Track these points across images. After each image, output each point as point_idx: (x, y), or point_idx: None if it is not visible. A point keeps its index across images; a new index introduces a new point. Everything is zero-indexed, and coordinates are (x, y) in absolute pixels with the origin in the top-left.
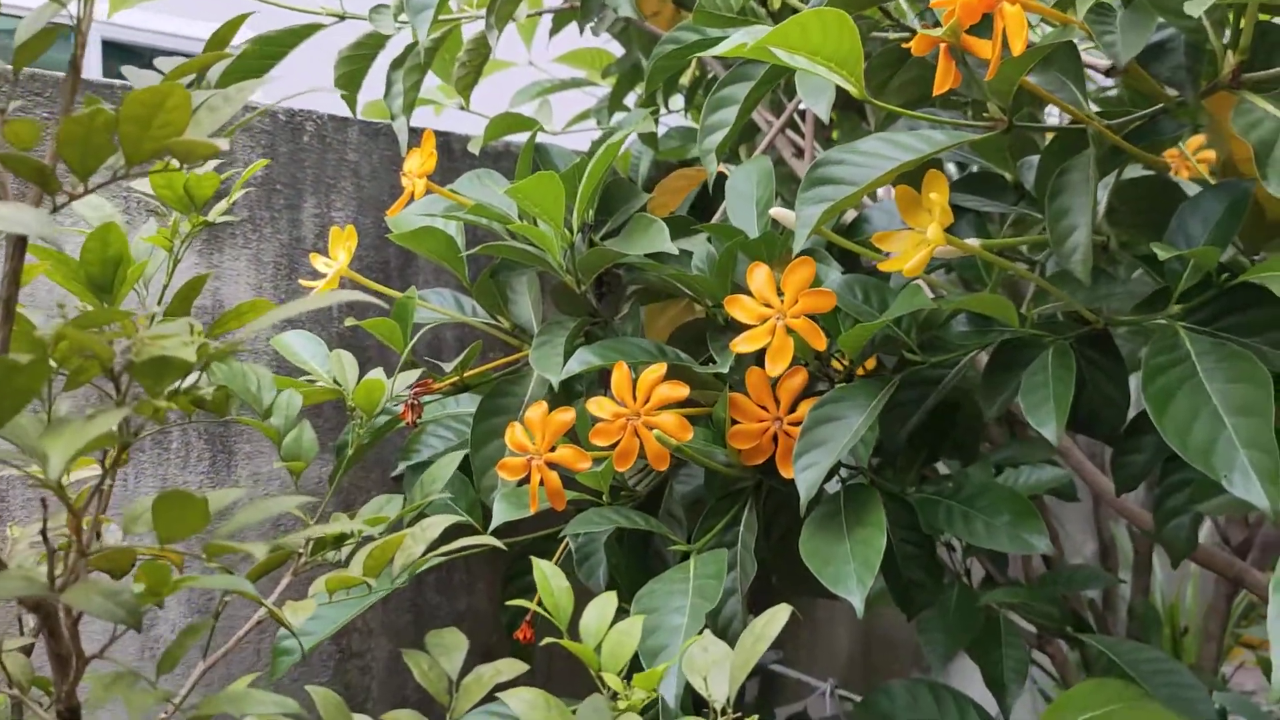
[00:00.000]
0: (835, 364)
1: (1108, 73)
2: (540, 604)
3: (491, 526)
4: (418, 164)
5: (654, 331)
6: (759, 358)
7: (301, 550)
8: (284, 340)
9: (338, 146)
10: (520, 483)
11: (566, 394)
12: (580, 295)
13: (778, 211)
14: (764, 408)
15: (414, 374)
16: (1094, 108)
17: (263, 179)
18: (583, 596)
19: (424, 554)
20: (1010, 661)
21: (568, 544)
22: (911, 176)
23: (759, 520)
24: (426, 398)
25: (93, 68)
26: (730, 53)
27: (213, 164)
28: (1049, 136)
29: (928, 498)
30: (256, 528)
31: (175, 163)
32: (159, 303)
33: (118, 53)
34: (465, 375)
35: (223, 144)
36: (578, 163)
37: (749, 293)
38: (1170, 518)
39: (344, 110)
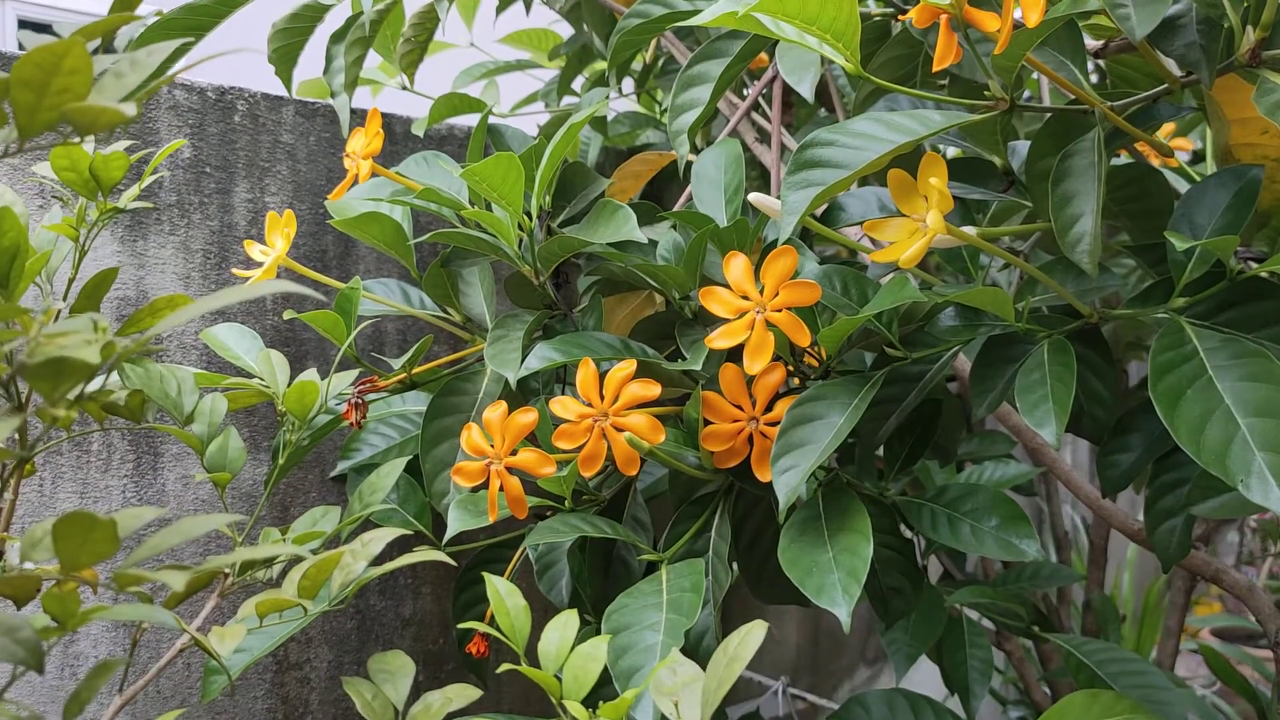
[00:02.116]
0: (810, 360)
1: (1097, 54)
2: (494, 623)
3: (446, 537)
4: (362, 145)
5: (612, 325)
6: (732, 354)
7: (228, 571)
8: (214, 334)
9: (272, 127)
10: (477, 488)
11: (523, 392)
12: (538, 286)
13: (757, 197)
14: (739, 407)
15: (352, 374)
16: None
17: (191, 161)
18: (541, 605)
19: (366, 570)
20: (975, 662)
21: (524, 551)
22: (903, 161)
23: (731, 526)
24: (372, 396)
25: (9, 43)
26: (716, 22)
27: (126, 145)
28: (1033, 120)
29: (911, 501)
30: (183, 547)
31: (82, 139)
32: (64, 298)
33: (36, 32)
34: (413, 372)
35: (128, 109)
36: (535, 145)
37: (720, 284)
38: (1163, 519)
39: (280, 88)
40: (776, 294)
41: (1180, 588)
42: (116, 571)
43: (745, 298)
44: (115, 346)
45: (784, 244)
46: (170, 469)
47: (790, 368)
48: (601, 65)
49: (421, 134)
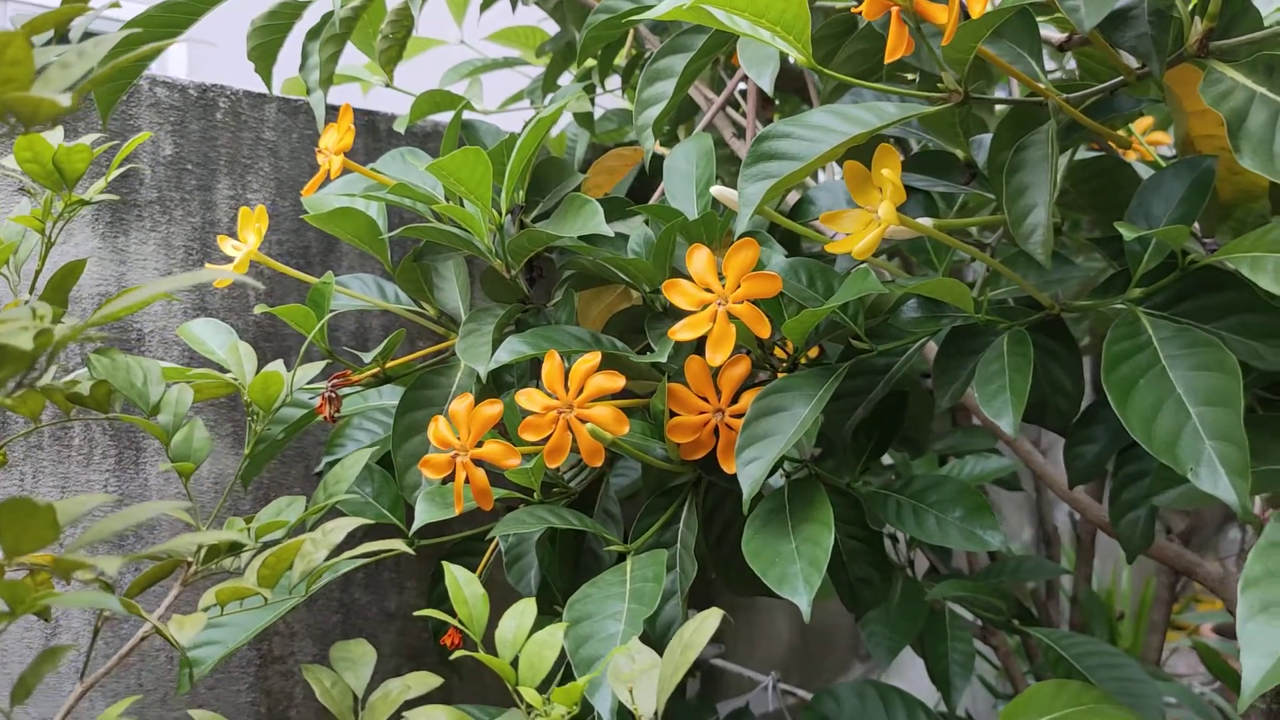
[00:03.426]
0: (778, 352)
1: (1061, 46)
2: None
3: (414, 528)
4: (334, 140)
5: (588, 319)
6: (699, 346)
7: (190, 560)
8: (190, 330)
9: (254, 124)
10: (446, 480)
11: (496, 386)
12: (510, 281)
13: (719, 190)
14: (704, 399)
15: (318, 365)
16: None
17: (172, 158)
18: (517, 598)
19: (329, 559)
20: (956, 655)
21: (497, 544)
22: (862, 153)
23: (699, 518)
24: (346, 390)
25: None
26: (666, 16)
27: (94, 138)
28: (1002, 114)
29: (876, 492)
30: (157, 539)
31: (29, 128)
32: (30, 290)
33: None
34: (387, 366)
35: (64, 100)
36: (506, 139)
37: (689, 277)
38: (1126, 510)
39: (262, 86)
40: (738, 286)
41: (1164, 583)
42: (57, 557)
43: (708, 290)
44: (52, 334)
45: (742, 236)
46: (152, 464)
47: (759, 360)
48: (588, 62)
49: (403, 130)
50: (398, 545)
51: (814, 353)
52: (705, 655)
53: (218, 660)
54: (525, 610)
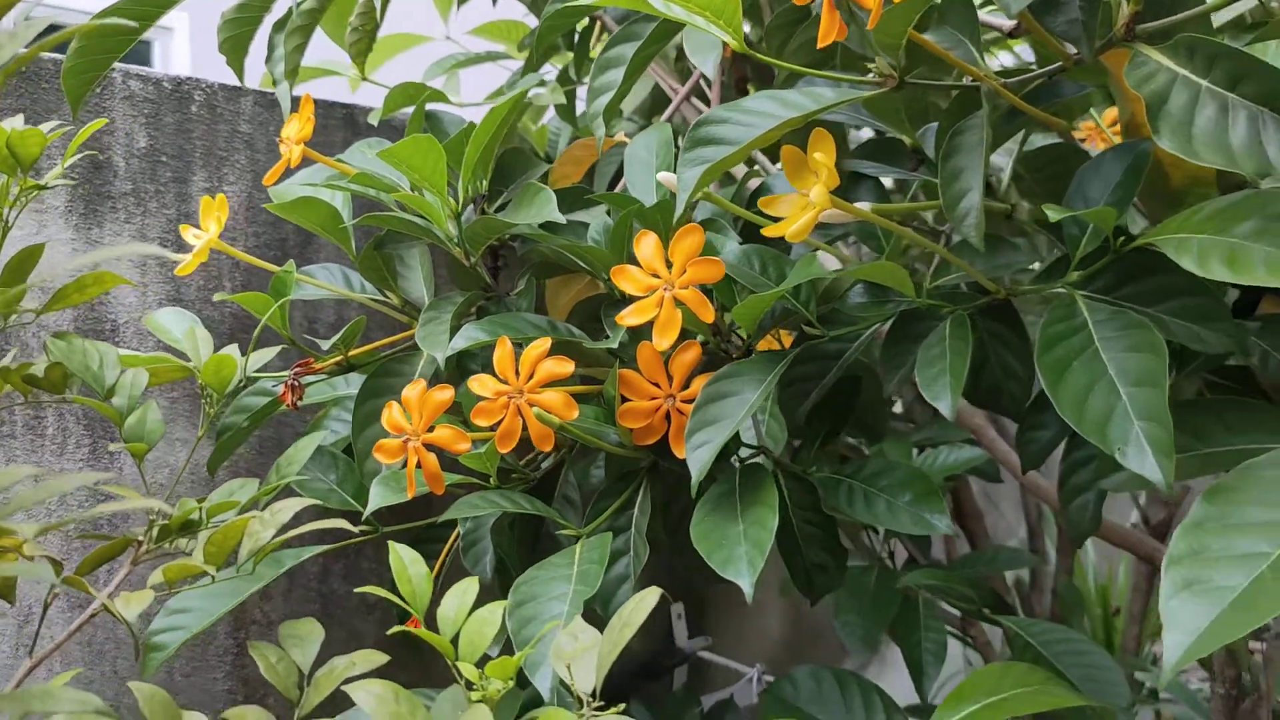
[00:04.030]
0: (738, 339)
1: (1010, 34)
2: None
3: (367, 511)
4: (295, 130)
5: (557, 308)
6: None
7: (141, 539)
8: (156, 319)
9: (229, 117)
10: (404, 465)
11: (461, 374)
12: (470, 269)
13: (665, 176)
14: (656, 384)
15: (273, 350)
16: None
17: (147, 150)
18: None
19: (274, 538)
20: (929, 644)
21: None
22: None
23: (652, 502)
24: (309, 378)
25: None
26: (603, 2)
27: (50, 126)
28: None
29: (829, 477)
30: (117, 523)
31: None
32: None
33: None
34: (351, 354)
35: None
36: (465, 128)
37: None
38: (1075, 495)
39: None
40: (684, 271)
41: (1143, 573)
42: None
43: (655, 276)
44: None
45: (689, 223)
46: (124, 453)
47: (714, 348)
48: (568, 56)
49: (377, 123)
50: (344, 525)
51: (788, 340)
52: (692, 648)
53: (180, 644)
54: (467, 589)
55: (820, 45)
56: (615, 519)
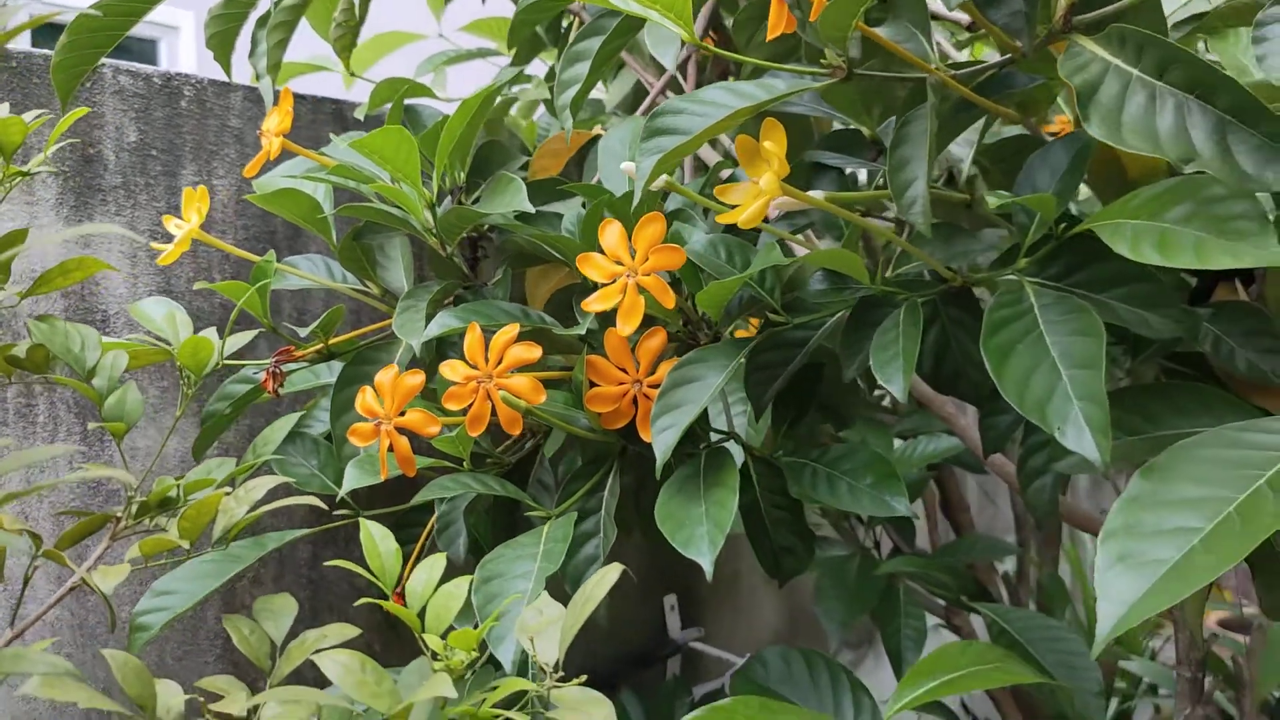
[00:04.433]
0: (707, 327)
1: (969, 28)
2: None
3: (341, 492)
4: (275, 123)
5: (537, 297)
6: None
7: (120, 515)
8: (140, 307)
9: (219, 112)
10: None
11: (441, 361)
12: (446, 258)
13: (627, 167)
14: (624, 370)
15: (249, 334)
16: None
17: (137, 145)
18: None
19: (249, 513)
20: (909, 631)
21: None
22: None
23: (623, 486)
24: (291, 366)
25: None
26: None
27: (33, 114)
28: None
29: (796, 461)
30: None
31: None
32: None
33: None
34: (331, 342)
35: None
36: (440, 120)
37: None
38: (1033, 478)
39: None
40: (646, 259)
41: None
42: None
43: (619, 263)
44: None
45: (665, 213)
46: (111, 438)
47: (683, 336)
48: (554, 51)
49: (363, 118)
50: (313, 501)
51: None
52: (685, 638)
53: (164, 625)
54: (434, 564)
55: (769, 38)
56: (585, 501)
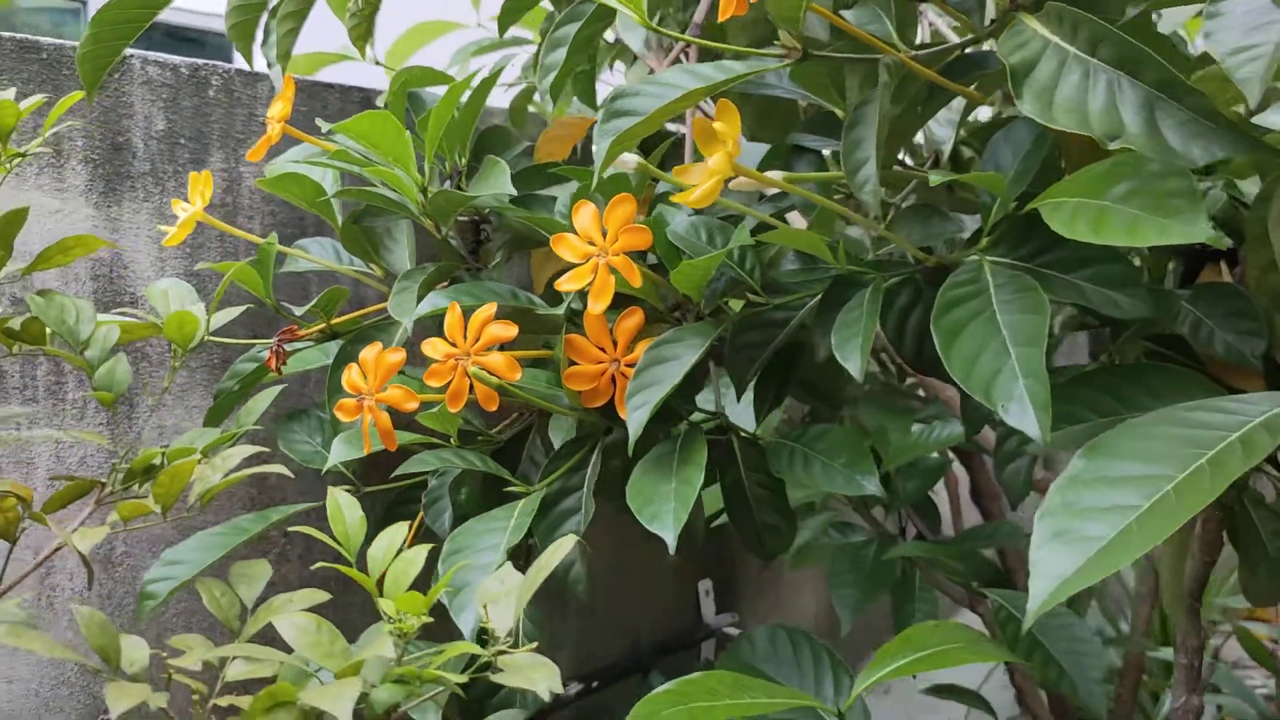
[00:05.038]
0: (693, 309)
1: None
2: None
3: (326, 466)
4: (278, 110)
5: (541, 280)
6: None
7: (105, 481)
8: (154, 288)
9: (247, 101)
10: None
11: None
12: (442, 240)
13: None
14: (603, 350)
15: (235, 310)
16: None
17: (165, 133)
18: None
19: (223, 480)
20: (920, 616)
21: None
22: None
23: (608, 463)
24: (295, 345)
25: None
26: None
27: (38, 102)
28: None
29: (778, 441)
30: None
31: None
32: None
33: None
34: (334, 322)
35: None
36: (435, 107)
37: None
38: (1009, 460)
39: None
40: (617, 239)
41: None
42: None
43: (591, 243)
44: None
45: (616, 189)
46: (146, 418)
47: (666, 318)
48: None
49: (384, 106)
50: (278, 469)
51: None
52: (719, 624)
53: (170, 593)
54: (396, 532)
55: (721, 19)
56: (568, 479)
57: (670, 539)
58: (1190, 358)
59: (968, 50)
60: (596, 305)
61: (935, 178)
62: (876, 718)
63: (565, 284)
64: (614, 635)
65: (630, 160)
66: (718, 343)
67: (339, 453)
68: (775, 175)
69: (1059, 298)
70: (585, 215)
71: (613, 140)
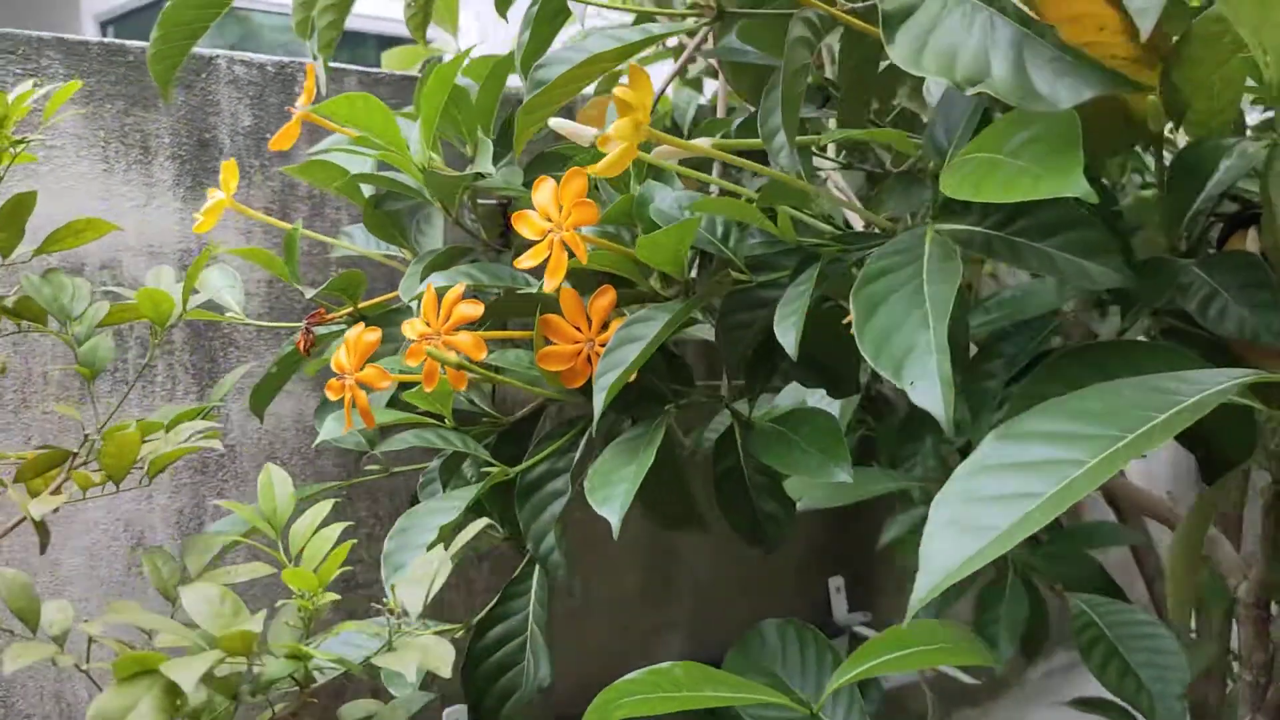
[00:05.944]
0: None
1: None
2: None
3: (315, 443)
4: (303, 99)
5: None
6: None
7: (78, 452)
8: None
9: (332, 96)
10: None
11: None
12: (454, 222)
13: (556, 123)
14: (579, 329)
15: (202, 297)
16: None
17: (251, 129)
18: None
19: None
20: (1006, 621)
21: None
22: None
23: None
24: (322, 328)
25: None
26: None
27: (39, 93)
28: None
29: (766, 424)
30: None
31: None
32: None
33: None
34: (361, 306)
35: None
36: (424, 88)
37: None
38: None
39: (368, 61)
40: (570, 215)
41: None
42: None
43: (548, 220)
44: None
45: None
46: (233, 400)
47: (649, 296)
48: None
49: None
50: (213, 445)
51: None
52: (850, 621)
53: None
54: (320, 509)
55: None
56: (554, 461)
57: (614, 520)
58: (1203, 333)
59: None
60: (550, 282)
61: (829, 138)
62: None
63: (524, 261)
64: (732, 626)
65: (586, 132)
66: (702, 320)
67: (327, 431)
68: (702, 142)
69: (1030, 268)
70: (544, 191)
71: (521, 111)
